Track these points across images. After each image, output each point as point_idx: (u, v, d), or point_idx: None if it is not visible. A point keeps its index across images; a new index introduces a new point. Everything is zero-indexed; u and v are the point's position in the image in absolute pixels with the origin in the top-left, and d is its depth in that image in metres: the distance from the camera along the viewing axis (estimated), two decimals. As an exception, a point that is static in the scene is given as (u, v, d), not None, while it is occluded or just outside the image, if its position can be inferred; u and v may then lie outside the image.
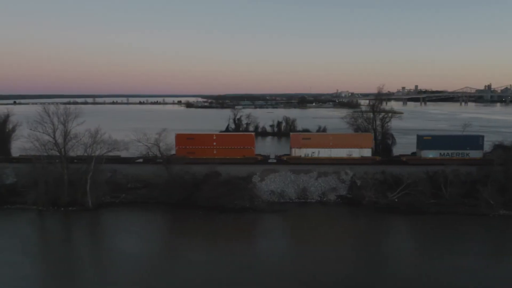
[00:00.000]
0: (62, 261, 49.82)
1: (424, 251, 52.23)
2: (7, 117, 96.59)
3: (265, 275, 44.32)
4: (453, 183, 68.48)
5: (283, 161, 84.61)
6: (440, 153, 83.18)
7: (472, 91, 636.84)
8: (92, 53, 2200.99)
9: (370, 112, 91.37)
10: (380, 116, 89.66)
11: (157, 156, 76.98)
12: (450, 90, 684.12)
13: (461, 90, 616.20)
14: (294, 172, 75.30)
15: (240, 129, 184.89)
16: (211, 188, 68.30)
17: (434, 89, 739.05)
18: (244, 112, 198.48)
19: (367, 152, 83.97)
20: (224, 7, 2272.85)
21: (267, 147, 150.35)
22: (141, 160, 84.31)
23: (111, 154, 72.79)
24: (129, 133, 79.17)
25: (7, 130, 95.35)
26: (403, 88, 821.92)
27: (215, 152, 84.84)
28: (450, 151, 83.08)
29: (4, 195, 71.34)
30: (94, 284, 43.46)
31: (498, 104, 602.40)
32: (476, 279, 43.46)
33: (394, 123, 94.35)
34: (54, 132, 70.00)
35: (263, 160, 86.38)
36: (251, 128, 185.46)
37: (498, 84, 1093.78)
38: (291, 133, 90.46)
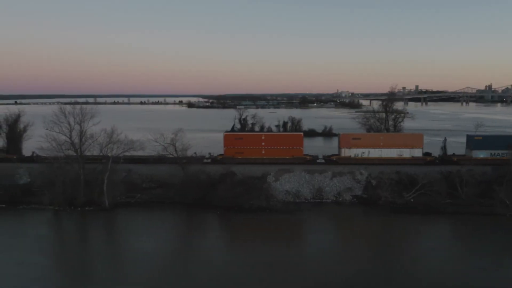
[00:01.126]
0: (80, 260, 50.03)
1: (444, 251, 52.12)
2: (18, 117, 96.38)
3: (287, 274, 44.45)
4: (468, 183, 68.55)
5: (333, 161, 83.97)
6: (491, 153, 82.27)
7: (473, 91, 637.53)
8: (92, 53, 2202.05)
9: (382, 112, 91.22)
10: (393, 116, 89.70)
11: (205, 157, 77.63)
12: (450, 90, 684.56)
13: (462, 90, 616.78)
14: (308, 172, 75.38)
15: (246, 129, 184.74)
16: (227, 188, 68.33)
17: (434, 89, 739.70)
18: (250, 112, 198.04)
19: (418, 152, 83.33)
20: (224, 7, 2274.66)
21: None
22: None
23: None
24: (146, 132, 79.23)
25: (18, 130, 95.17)
26: (404, 88, 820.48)
27: (263, 152, 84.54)
28: (501, 151, 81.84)
29: (18, 195, 71.34)
30: (113, 284, 43.35)
31: (499, 104, 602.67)
32: (494, 279, 43.56)
33: (404, 123, 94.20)
34: (70, 132, 69.95)
35: (312, 160, 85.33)
36: (256, 128, 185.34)
37: (499, 84, 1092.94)
38: (340, 133, 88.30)
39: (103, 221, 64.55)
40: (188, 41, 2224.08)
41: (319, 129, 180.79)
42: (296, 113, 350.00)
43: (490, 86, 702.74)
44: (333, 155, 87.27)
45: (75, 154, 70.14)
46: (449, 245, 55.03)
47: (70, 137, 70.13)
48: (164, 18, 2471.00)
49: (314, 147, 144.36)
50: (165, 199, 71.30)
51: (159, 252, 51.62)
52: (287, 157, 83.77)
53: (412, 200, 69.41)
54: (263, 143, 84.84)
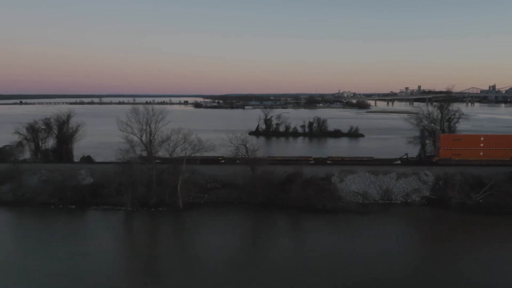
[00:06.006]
0: (165, 262, 50.63)
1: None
2: (68, 117, 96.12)
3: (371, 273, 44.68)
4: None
5: None
6: None
7: (477, 92, 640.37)
8: (94, 53, 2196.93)
9: (437, 112, 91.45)
10: (447, 117, 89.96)
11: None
12: (454, 90, 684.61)
13: (467, 91, 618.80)
14: (373, 173, 75.52)
15: (271, 129, 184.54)
16: (299, 189, 68.39)
17: (437, 89, 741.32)
18: (275, 113, 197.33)
19: None
20: (224, 8, 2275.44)
21: (303, 148, 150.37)
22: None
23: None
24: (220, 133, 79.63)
25: (69, 131, 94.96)
26: (407, 88, 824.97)
27: (481, 153, 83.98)
28: None
29: (87, 196, 71.05)
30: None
31: (503, 105, 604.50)
32: None
33: (459, 124, 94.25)
34: (144, 133, 69.90)
35: None
36: (281, 128, 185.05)
37: (503, 84, 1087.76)
38: None
39: (180, 221, 64.70)
40: (188, 41, 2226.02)
41: (345, 129, 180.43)
42: (305, 113, 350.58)
43: (493, 87, 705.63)
44: None
45: (146, 155, 70.04)
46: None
47: (143, 138, 70.03)
48: (164, 19, 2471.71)
49: (343, 147, 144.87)
50: (233, 199, 71.40)
51: (245, 253, 52.39)
52: (506, 159, 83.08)
53: (481, 201, 69.69)
54: (481, 144, 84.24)
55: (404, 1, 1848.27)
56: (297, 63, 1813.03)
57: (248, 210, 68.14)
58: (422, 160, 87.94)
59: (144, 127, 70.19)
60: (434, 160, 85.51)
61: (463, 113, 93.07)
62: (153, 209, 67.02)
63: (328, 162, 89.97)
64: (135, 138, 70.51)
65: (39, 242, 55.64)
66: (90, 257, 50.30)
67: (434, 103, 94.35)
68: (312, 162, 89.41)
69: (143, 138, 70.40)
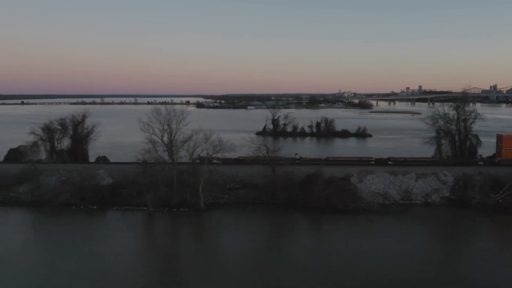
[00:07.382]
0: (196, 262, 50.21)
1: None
2: (83, 118, 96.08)
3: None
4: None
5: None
6: None
7: (478, 92, 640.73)
8: (94, 53, 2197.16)
9: (453, 112, 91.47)
10: (463, 117, 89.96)
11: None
12: (454, 90, 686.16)
13: (468, 90, 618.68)
14: (391, 174, 75.60)
15: (278, 129, 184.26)
16: (319, 189, 68.43)
17: (438, 89, 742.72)
18: (282, 113, 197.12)
19: None
20: (223, 8, 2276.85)
21: (311, 148, 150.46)
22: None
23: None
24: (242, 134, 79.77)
25: (85, 131, 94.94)
26: (407, 88, 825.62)
27: None
28: None
29: (106, 197, 70.94)
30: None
31: (504, 105, 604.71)
32: None
33: (475, 125, 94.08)
34: (163, 133, 69.92)
35: None
36: (288, 129, 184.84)
37: (504, 84, 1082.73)
38: None
39: (202, 221, 64.61)
40: (187, 41, 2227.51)
41: (351, 129, 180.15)
42: (308, 113, 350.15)
43: (495, 87, 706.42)
44: None
45: (167, 155, 70.10)
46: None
47: (164, 139, 70.05)
48: (163, 19, 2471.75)
49: (353, 148, 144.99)
50: (252, 199, 71.41)
51: (266, 253, 52.43)
52: None
53: (500, 201, 69.84)
54: None
55: (404, 1, 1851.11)
56: (298, 63, 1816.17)
57: (268, 211, 68.17)
58: (485, 161, 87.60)
59: (165, 127, 70.15)
60: (496, 161, 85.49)
61: (479, 114, 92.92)
62: (174, 209, 67.07)
63: (390, 163, 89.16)
64: (156, 139, 70.44)
65: (62, 243, 55.57)
66: (113, 257, 50.27)
67: (451, 104, 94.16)
68: (373, 163, 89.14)
69: (164, 138, 70.35)
